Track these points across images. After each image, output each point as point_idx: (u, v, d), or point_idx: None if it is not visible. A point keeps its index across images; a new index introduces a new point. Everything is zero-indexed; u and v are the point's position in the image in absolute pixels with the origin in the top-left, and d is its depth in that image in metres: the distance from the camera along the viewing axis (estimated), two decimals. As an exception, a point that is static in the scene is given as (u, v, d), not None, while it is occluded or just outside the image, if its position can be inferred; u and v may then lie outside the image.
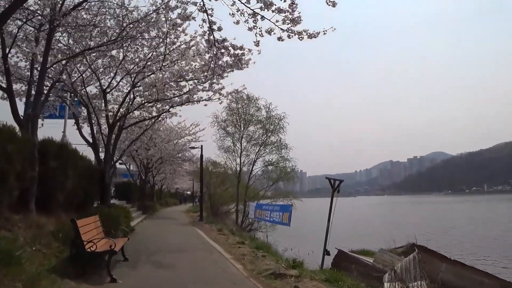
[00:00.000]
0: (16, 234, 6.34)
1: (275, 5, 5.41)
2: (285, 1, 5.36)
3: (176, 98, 12.91)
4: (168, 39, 11.39)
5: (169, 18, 9.65)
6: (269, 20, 5.51)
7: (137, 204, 23.15)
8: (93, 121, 13.27)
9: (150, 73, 12.11)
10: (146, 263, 7.87)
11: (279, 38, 5.81)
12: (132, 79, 12.76)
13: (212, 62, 6.92)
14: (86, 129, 13.89)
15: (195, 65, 11.76)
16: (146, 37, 11.59)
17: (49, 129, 14.75)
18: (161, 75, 11.71)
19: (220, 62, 8.03)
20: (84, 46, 10.68)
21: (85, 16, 10.34)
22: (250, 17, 5.56)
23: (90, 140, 13.13)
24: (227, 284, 6.28)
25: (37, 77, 9.04)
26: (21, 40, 10.02)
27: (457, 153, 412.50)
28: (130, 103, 13.34)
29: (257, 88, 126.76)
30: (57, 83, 11.06)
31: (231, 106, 27.18)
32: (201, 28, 5.95)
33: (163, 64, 11.67)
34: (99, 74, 12.69)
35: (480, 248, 22.73)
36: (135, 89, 12.85)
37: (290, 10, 5.45)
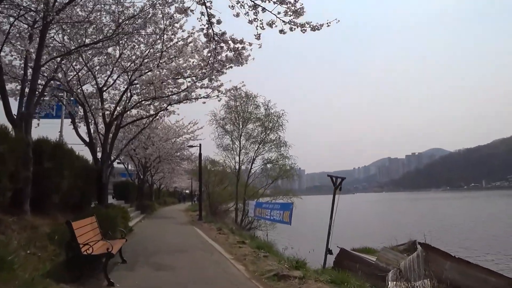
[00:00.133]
0: (10, 237, 6.11)
1: (277, -5, 5.19)
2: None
3: (174, 96, 12.67)
4: (165, 35, 11.17)
5: (167, 13, 9.41)
6: (270, 12, 5.29)
7: (135, 203, 22.91)
8: (90, 120, 13.01)
9: (147, 71, 11.86)
10: (145, 264, 7.66)
11: (281, 31, 5.58)
12: (129, 77, 12.52)
13: (211, 57, 6.67)
14: (83, 129, 13.65)
15: (193, 62, 11.54)
16: (143, 33, 11.40)
17: (46, 129, 14.50)
18: (158, 73, 11.46)
19: (220, 57, 7.77)
20: (79, 43, 10.44)
21: (80, 13, 10.13)
22: (250, 9, 5.33)
23: (87, 139, 12.87)
24: (229, 286, 6.08)
25: (31, 75, 8.78)
26: (15, 38, 9.79)
27: (455, 149, 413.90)
28: (127, 101, 13.09)
29: (256, 88, 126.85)
30: (51, 81, 10.80)
31: (229, 104, 26.99)
32: (199, 21, 5.71)
33: (160, 61, 11.44)
34: (95, 72, 12.44)
35: (481, 246, 22.61)
36: (132, 86, 12.59)
37: (292, 1, 5.23)
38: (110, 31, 10.39)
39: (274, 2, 5.19)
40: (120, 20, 10.10)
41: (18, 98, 10.03)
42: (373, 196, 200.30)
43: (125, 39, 11.36)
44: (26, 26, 9.61)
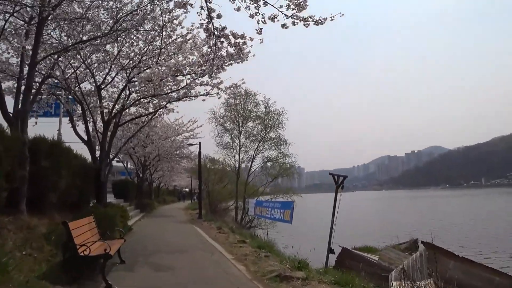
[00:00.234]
0: (5, 238, 5.97)
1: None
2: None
3: (173, 93, 12.50)
4: (164, 32, 11.00)
5: (165, 8, 9.23)
6: (272, 5, 5.11)
7: (134, 202, 22.79)
8: (88, 119, 12.84)
9: (146, 68, 11.69)
10: (144, 265, 7.50)
11: (283, 25, 5.41)
12: (128, 74, 12.35)
13: (211, 52, 6.50)
14: (81, 127, 13.48)
15: (192, 59, 11.36)
16: (141, 30, 11.24)
17: (44, 127, 14.34)
18: (157, 70, 11.29)
19: (220, 52, 7.58)
20: (77, 40, 10.26)
21: (77, 9, 9.96)
22: (251, 2, 5.16)
23: (86, 138, 12.70)
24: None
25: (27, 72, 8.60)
26: (12, 34, 9.62)
27: (455, 147, 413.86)
28: (126, 99, 12.92)
29: (256, 88, 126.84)
30: (48, 78, 10.63)
31: (229, 102, 26.80)
32: (199, 15, 5.53)
33: (159, 58, 11.27)
34: (94, 70, 12.26)
35: (482, 244, 22.49)
36: (131, 84, 12.42)
37: (295, -6, 5.06)
38: (108, 27, 10.23)
39: (276, -5, 5.02)
40: (118, 16, 9.94)
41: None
42: (372, 194, 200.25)
43: (123, 36, 11.21)
44: (22, 22, 9.47)
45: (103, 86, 12.72)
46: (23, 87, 8.52)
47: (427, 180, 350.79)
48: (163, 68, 11.53)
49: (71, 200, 9.90)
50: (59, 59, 10.58)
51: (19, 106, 7.96)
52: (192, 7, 5.64)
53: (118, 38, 11.09)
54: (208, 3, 5.38)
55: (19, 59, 9.59)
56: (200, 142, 22.74)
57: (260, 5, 5.18)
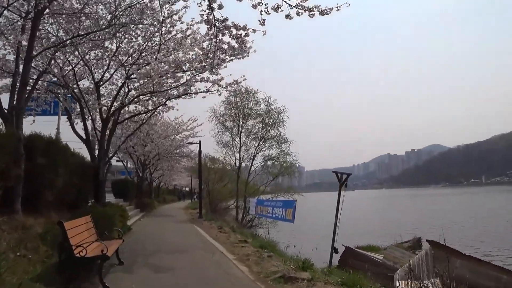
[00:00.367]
0: (-2, 238, 5.75)
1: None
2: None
3: (173, 91, 12.26)
4: (163, 28, 10.77)
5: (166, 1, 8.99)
6: (276, -6, 4.89)
7: (134, 201, 22.58)
8: (87, 116, 12.60)
9: (145, 64, 11.45)
10: (143, 266, 7.27)
11: (287, 16, 5.18)
12: (126, 71, 12.12)
13: (213, 45, 6.24)
14: (80, 125, 13.25)
15: (192, 55, 11.12)
16: (140, 26, 11.01)
17: (43, 126, 14.11)
18: (156, 66, 11.05)
19: (221, 44, 7.31)
20: (74, 35, 10.02)
21: (75, 4, 9.73)
22: (254, -9, 4.93)
23: (84, 136, 12.47)
24: (232, 290, 5.72)
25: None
26: (7, 29, 9.41)
27: (454, 145, 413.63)
28: (125, 96, 12.68)
29: (257, 87, 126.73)
30: (45, 74, 10.41)
31: (229, 100, 26.60)
32: (199, 6, 5.31)
33: (158, 55, 11.03)
34: (92, 67, 12.02)
35: (486, 243, 22.29)
36: (130, 80, 12.17)
37: (300, -18, 4.83)
38: (106, 23, 10.00)
39: (281, -17, 4.79)
40: (116, 11, 9.71)
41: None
42: (373, 193, 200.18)
43: (122, 32, 10.99)
44: (18, 17, 9.24)
45: (101, 83, 12.49)
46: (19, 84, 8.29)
47: (427, 179, 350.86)
48: (162, 64, 11.28)
49: (69, 199, 9.68)
50: (56, 54, 10.36)
51: (14, 102, 7.73)
52: (193, -1, 5.40)
53: (117, 34, 10.88)
54: (209, -7, 5.15)
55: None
56: (200, 141, 22.55)
57: (263, -6, 4.95)
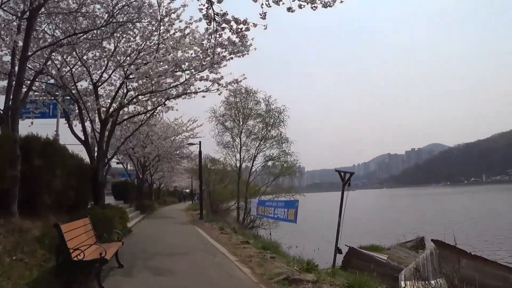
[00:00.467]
0: (-6, 242, 5.59)
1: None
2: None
3: (173, 90, 12.09)
4: (161, 27, 10.60)
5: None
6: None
7: (135, 203, 22.41)
8: (85, 118, 12.44)
9: (144, 63, 11.28)
10: (143, 269, 7.08)
11: (289, 9, 5.01)
12: (125, 71, 11.96)
13: (212, 38, 6.06)
14: (79, 127, 13.08)
15: (191, 53, 10.95)
16: (138, 25, 10.87)
17: (42, 128, 13.97)
18: (155, 65, 10.88)
19: (221, 39, 7.12)
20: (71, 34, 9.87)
21: (72, 4, 9.58)
22: (255, -17, 4.77)
23: (83, 138, 12.30)
24: (235, 292, 5.55)
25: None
26: (3, 29, 9.25)
27: (455, 144, 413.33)
28: (123, 97, 12.51)
29: (257, 86, 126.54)
30: (41, 75, 10.24)
31: (229, 100, 26.45)
32: (198, 0, 5.14)
33: (156, 54, 10.86)
34: (90, 67, 11.86)
35: (489, 242, 22.10)
36: (128, 80, 12.00)
37: (302, -27, 4.67)
38: (103, 22, 9.85)
39: (282, -25, 4.63)
40: (113, 10, 9.56)
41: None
42: (373, 193, 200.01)
43: (120, 32, 10.85)
44: (14, 17, 9.09)
45: (99, 84, 12.33)
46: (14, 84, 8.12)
47: (428, 178, 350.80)
48: (161, 63, 11.11)
49: (68, 201, 9.49)
50: (53, 55, 10.20)
51: (10, 103, 7.56)
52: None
53: (115, 34, 10.73)
54: (208, -14, 4.99)
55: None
56: (200, 142, 22.38)
57: (264, -14, 4.79)
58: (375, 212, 55.03)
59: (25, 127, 10.99)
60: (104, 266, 5.83)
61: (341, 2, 4.92)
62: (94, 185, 11.50)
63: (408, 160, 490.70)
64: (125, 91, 12.66)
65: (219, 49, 8.63)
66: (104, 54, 11.53)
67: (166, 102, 12.74)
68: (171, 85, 11.80)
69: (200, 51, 10.39)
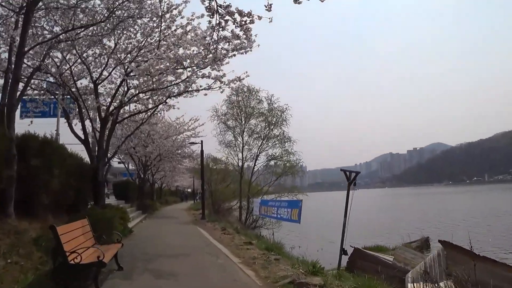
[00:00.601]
0: (-12, 244, 5.38)
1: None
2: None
3: (174, 88, 11.87)
4: (163, 23, 10.39)
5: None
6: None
7: (136, 203, 22.23)
8: (85, 117, 12.23)
9: (145, 60, 11.06)
10: (144, 271, 6.84)
11: (296, 0, 4.79)
12: (125, 69, 11.74)
13: (215, 32, 5.83)
14: (79, 126, 12.87)
15: (193, 50, 10.72)
16: (139, 22, 10.66)
17: (42, 128, 13.74)
18: (155, 62, 10.67)
19: (225, 32, 6.85)
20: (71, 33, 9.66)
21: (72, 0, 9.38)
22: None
23: (83, 136, 12.09)
24: (239, 297, 5.32)
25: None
26: (1, 25, 9.07)
27: (457, 143, 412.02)
28: (124, 95, 12.30)
29: (258, 85, 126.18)
30: (42, 74, 10.04)
31: (231, 98, 26.20)
32: (200, -8, 4.91)
33: (157, 51, 10.64)
34: (90, 65, 11.65)
35: (493, 242, 21.77)
36: (128, 77, 11.79)
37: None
38: (103, 18, 9.64)
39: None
40: (114, 5, 9.35)
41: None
42: (375, 192, 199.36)
43: (121, 28, 10.63)
44: (12, 12, 8.89)
45: (99, 81, 12.12)
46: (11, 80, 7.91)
47: (430, 177, 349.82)
48: (162, 60, 10.89)
49: (67, 201, 9.30)
50: (52, 51, 10.00)
51: (6, 100, 7.35)
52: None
53: (115, 30, 10.51)
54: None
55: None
56: (202, 141, 22.23)
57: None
58: (378, 211, 54.71)
59: (25, 126, 10.81)
60: (103, 269, 5.61)
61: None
62: (94, 184, 11.30)
63: (410, 160, 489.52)
64: (125, 89, 12.46)
65: (221, 44, 8.36)
66: (104, 51, 11.32)
67: (167, 100, 12.52)
68: (173, 82, 11.58)
69: (202, 48, 10.14)
